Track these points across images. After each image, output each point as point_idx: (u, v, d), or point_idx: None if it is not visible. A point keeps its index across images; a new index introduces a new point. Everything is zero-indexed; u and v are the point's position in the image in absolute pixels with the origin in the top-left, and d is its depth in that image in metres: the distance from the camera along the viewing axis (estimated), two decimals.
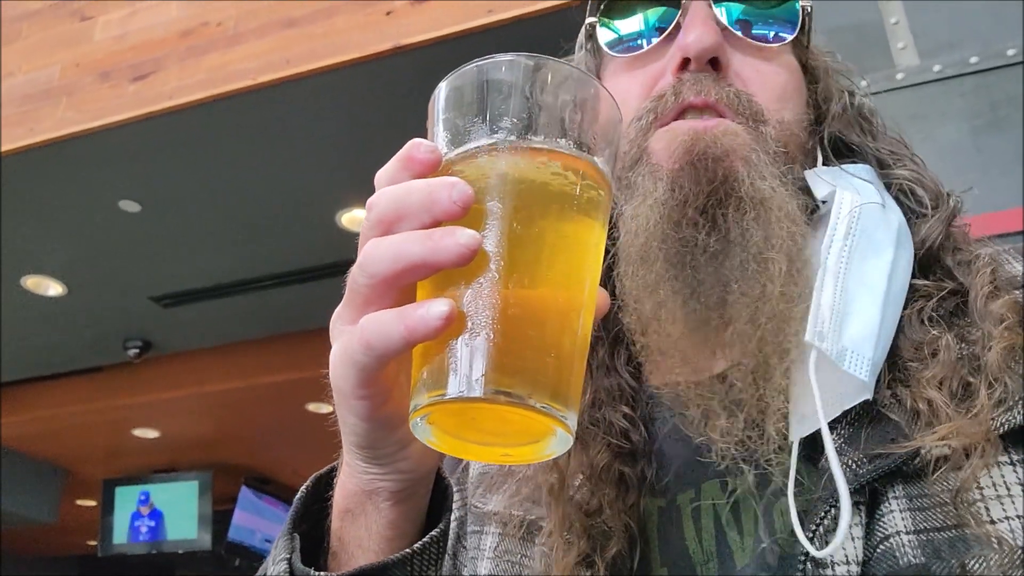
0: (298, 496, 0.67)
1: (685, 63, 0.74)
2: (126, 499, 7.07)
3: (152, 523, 6.90)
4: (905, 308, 0.68)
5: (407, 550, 0.61)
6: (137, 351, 5.12)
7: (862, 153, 0.80)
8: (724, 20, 0.76)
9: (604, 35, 0.82)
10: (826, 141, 0.80)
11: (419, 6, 2.76)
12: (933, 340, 0.65)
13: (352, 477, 0.61)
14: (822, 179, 0.74)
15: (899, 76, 1.80)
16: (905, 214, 0.74)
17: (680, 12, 0.77)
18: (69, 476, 7.54)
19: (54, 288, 4.37)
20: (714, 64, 0.74)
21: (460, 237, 0.47)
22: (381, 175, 0.54)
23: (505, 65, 0.53)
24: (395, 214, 0.51)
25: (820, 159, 0.79)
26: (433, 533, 0.62)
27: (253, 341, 5.36)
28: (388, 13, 2.81)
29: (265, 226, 3.92)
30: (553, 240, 0.51)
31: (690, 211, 0.69)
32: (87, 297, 4.49)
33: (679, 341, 0.70)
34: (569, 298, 0.51)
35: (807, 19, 0.81)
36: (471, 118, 0.52)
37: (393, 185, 0.52)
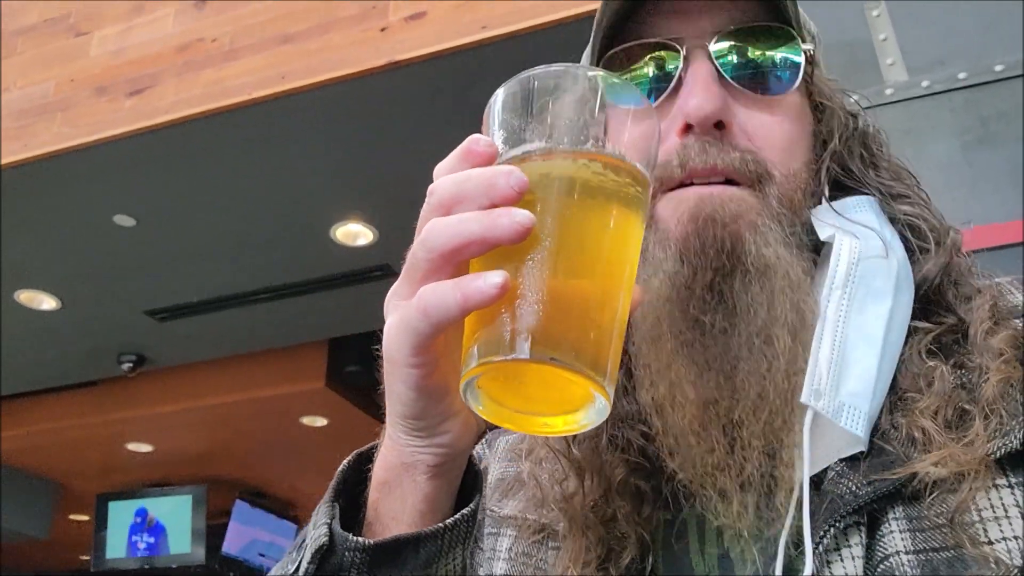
0: (340, 469, 0.70)
1: (689, 126, 0.74)
2: (119, 514, 7.02)
3: (152, 539, 6.86)
4: (904, 344, 0.69)
5: (440, 524, 0.63)
6: (131, 365, 5.11)
7: (865, 185, 0.79)
8: (727, 75, 0.75)
9: None
10: (826, 172, 0.79)
11: (413, 23, 2.78)
12: (929, 371, 0.66)
13: (393, 450, 0.64)
14: (825, 222, 0.74)
15: (888, 92, 1.82)
16: (908, 250, 0.74)
17: (682, 65, 0.76)
18: (62, 491, 7.51)
19: (48, 302, 4.36)
20: (718, 124, 0.73)
21: (516, 215, 0.51)
22: (441, 166, 0.58)
23: (558, 74, 0.57)
24: (455, 197, 0.54)
25: (826, 191, 0.78)
26: (465, 511, 0.64)
27: (248, 355, 5.36)
28: (383, 29, 2.82)
29: (260, 240, 3.92)
30: (597, 228, 0.55)
31: (698, 289, 0.70)
32: (81, 311, 4.49)
33: (692, 422, 0.70)
34: (611, 280, 0.55)
35: (811, 61, 0.79)
36: (525, 121, 0.57)
37: (454, 173, 0.56)
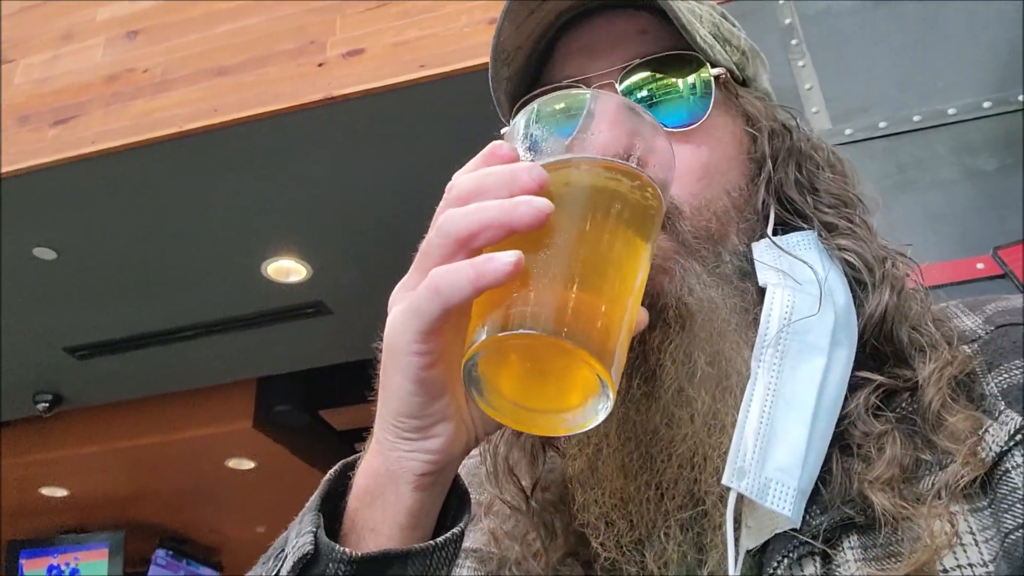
0: (326, 478, 0.66)
1: None
2: (31, 563, 6.66)
3: None
4: (851, 396, 0.67)
5: (431, 542, 0.60)
6: (48, 405, 4.89)
7: (803, 217, 0.76)
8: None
9: None
10: (762, 200, 0.76)
11: (351, 59, 2.78)
12: (881, 436, 0.64)
13: (379, 455, 0.61)
14: (764, 263, 0.71)
15: None
16: (851, 284, 0.71)
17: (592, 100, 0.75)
18: None
19: None
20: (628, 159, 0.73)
21: (535, 202, 0.52)
22: (461, 171, 0.59)
23: (586, 95, 0.62)
24: (474, 191, 0.55)
25: (769, 223, 0.75)
26: (455, 530, 0.61)
27: (172, 394, 5.19)
28: (320, 65, 2.81)
29: (188, 275, 3.82)
30: (613, 229, 0.56)
31: None
32: None
33: (611, 497, 0.68)
34: (622, 280, 0.56)
35: (733, 81, 0.77)
36: (549, 137, 0.60)
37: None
